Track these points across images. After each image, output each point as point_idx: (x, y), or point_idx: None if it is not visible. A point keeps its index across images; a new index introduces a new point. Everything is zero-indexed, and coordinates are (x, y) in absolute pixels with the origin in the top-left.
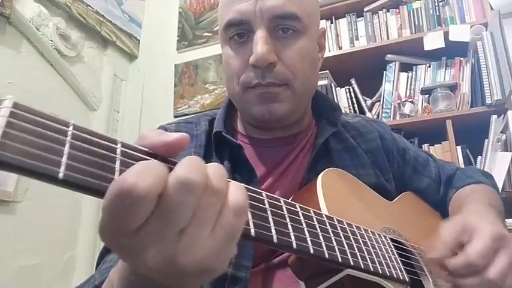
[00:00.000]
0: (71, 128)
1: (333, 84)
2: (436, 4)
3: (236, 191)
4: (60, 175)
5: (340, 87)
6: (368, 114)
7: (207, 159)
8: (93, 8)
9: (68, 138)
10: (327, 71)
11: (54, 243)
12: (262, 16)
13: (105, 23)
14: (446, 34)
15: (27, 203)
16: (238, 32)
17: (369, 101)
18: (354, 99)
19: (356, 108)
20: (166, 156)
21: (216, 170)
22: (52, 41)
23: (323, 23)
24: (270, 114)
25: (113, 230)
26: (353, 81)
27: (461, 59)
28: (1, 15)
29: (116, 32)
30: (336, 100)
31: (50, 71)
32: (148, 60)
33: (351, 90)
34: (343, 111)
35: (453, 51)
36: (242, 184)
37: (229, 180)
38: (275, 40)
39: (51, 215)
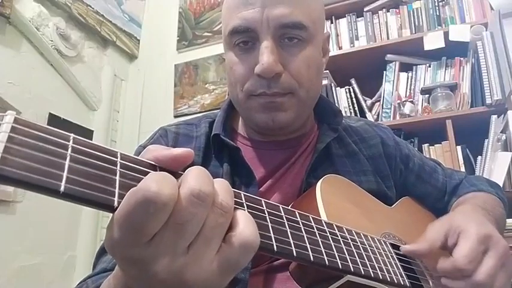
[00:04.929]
0: (71, 141)
1: (333, 84)
2: (436, 4)
3: (247, 224)
4: (61, 189)
5: (340, 87)
6: (368, 114)
7: (207, 161)
8: (93, 8)
9: (69, 151)
10: (327, 71)
11: (54, 243)
12: (269, 25)
13: (105, 23)
14: (446, 34)
15: (27, 203)
16: (244, 39)
17: (369, 101)
18: (354, 99)
19: (356, 108)
20: (170, 169)
21: (222, 186)
22: (52, 41)
23: None
24: (274, 123)
25: (128, 241)
26: (353, 81)
27: (461, 59)
28: (1, 15)
29: (116, 32)
30: (336, 100)
31: (50, 71)
32: (148, 60)
33: (351, 90)
34: (343, 111)
35: (453, 51)
36: (249, 215)
37: (236, 207)
38: (281, 49)
39: (51, 215)
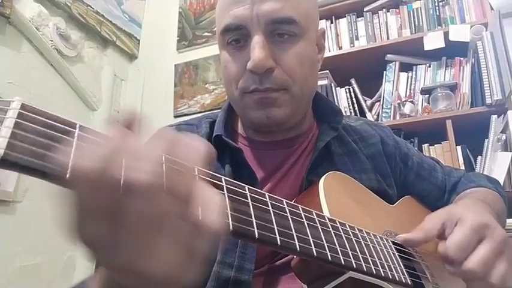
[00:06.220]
0: (77, 129)
1: (333, 84)
2: (436, 4)
3: (208, 208)
4: (67, 176)
5: (340, 87)
6: (368, 114)
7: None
8: (93, 8)
9: (75, 139)
10: (327, 71)
11: (54, 243)
12: (259, 21)
13: (105, 23)
14: (446, 34)
15: (27, 203)
16: (236, 37)
17: (369, 101)
18: (354, 99)
19: (356, 108)
20: None
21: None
22: (52, 41)
23: (323, 23)
24: (268, 119)
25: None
26: (353, 81)
27: (461, 59)
28: (1, 15)
29: (116, 32)
30: (336, 100)
31: (50, 71)
32: (148, 60)
33: (351, 90)
34: (343, 111)
35: (453, 51)
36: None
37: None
38: (272, 45)
39: (51, 215)
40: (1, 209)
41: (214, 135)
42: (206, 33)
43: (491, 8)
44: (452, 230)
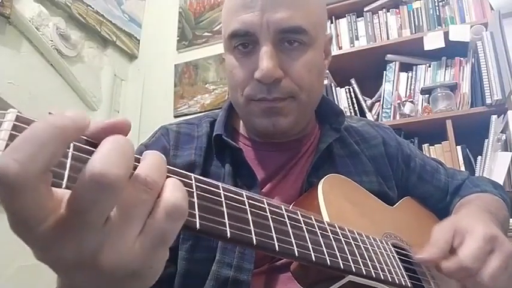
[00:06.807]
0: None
1: (333, 84)
2: (436, 4)
3: (173, 190)
4: (63, 187)
5: (340, 87)
6: (368, 114)
7: (208, 161)
8: (93, 8)
9: (70, 150)
10: (327, 71)
11: None
12: (268, 29)
13: (105, 23)
14: (446, 34)
15: None
16: (243, 42)
17: (369, 101)
18: (354, 99)
19: (356, 108)
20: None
21: (150, 161)
22: (52, 41)
23: None
24: (274, 127)
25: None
26: (353, 81)
27: (461, 59)
28: (1, 15)
29: (115, 32)
30: (336, 100)
31: (50, 71)
32: (148, 60)
33: (351, 90)
34: (345, 114)
35: (453, 51)
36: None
37: (169, 174)
38: (281, 53)
39: None
40: (1, 208)
41: (214, 134)
42: (206, 33)
43: (491, 8)
44: (463, 242)
